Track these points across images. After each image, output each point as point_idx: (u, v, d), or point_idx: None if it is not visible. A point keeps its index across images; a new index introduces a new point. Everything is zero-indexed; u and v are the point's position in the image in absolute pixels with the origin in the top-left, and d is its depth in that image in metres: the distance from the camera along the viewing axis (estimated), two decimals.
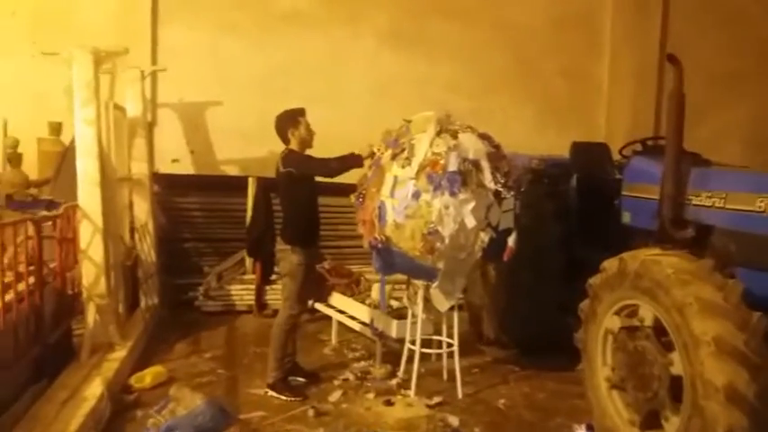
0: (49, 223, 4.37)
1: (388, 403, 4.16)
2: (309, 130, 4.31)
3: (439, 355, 4.62)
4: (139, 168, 5.96)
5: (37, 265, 4.02)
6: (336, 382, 4.50)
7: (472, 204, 3.79)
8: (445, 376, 4.53)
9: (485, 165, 3.91)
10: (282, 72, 6.87)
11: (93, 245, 4.50)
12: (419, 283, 4.33)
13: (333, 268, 5.96)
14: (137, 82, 5.99)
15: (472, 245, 3.88)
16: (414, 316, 4.46)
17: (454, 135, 3.95)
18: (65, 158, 5.57)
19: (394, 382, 4.50)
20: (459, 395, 4.29)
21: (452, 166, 3.79)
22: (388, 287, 5.03)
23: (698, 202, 3.49)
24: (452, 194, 3.75)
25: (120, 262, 5.20)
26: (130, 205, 5.88)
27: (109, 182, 4.83)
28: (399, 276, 4.67)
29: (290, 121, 4.29)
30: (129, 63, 5.72)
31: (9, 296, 3.63)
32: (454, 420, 3.92)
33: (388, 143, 4.06)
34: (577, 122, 7.56)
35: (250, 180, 6.57)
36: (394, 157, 3.97)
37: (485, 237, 3.88)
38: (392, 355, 4.80)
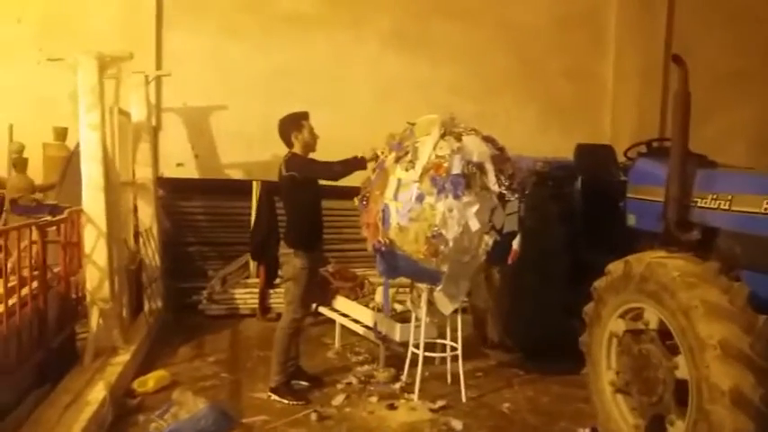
0: (54, 228, 4.38)
1: (392, 407, 4.15)
2: (313, 133, 4.30)
3: (443, 359, 4.60)
4: (144, 173, 5.98)
5: (41, 270, 4.03)
6: (339, 386, 4.48)
7: (476, 207, 3.77)
8: (449, 380, 4.51)
9: (489, 167, 3.89)
10: (286, 76, 6.86)
11: (97, 249, 4.51)
12: (423, 286, 4.32)
13: (337, 271, 5.96)
14: (141, 87, 6.02)
15: (476, 248, 3.87)
16: (417, 319, 4.45)
17: (458, 138, 3.94)
18: (70, 163, 5.59)
19: (397, 385, 4.48)
20: (463, 399, 4.27)
21: (456, 169, 3.78)
22: (391, 290, 4.99)
23: (703, 205, 3.47)
24: (456, 197, 3.74)
25: (125, 266, 5.21)
26: (135, 209, 5.89)
27: (113, 186, 4.84)
28: (403, 280, 4.65)
29: (293, 124, 4.29)
30: (134, 68, 5.74)
31: (12, 300, 3.64)
32: (458, 424, 3.90)
33: (392, 146, 4.05)
34: (582, 124, 7.53)
35: (254, 184, 6.57)
36: (398, 160, 3.97)
37: (489, 240, 3.86)
38: (396, 358, 4.79)
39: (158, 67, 6.66)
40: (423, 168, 3.82)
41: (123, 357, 4.43)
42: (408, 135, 4.04)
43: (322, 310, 5.60)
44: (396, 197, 3.88)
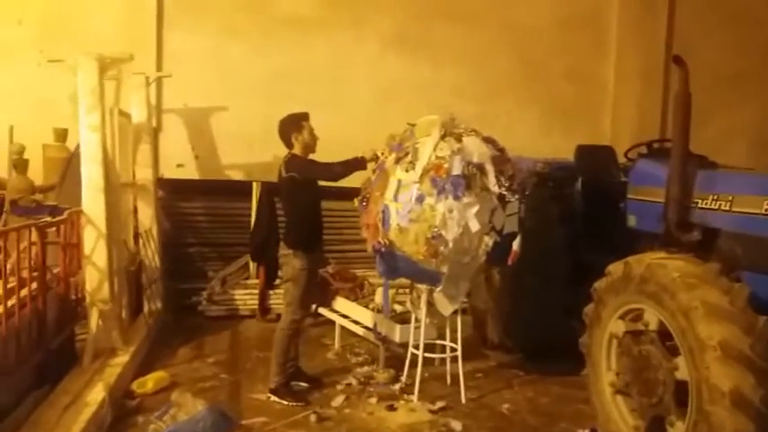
0: (54, 229, 4.38)
1: (391, 408, 4.14)
2: (313, 134, 4.30)
3: (442, 360, 4.59)
4: (144, 174, 5.97)
5: (40, 271, 4.03)
6: (339, 387, 4.47)
7: (476, 208, 3.77)
8: (449, 381, 4.50)
9: (489, 168, 3.89)
10: (286, 77, 6.86)
11: (96, 250, 4.51)
12: (423, 287, 4.31)
13: (337, 272, 5.95)
14: (142, 88, 6.01)
15: (476, 249, 3.86)
16: (417, 320, 4.44)
17: (458, 139, 3.94)
18: (70, 164, 5.59)
19: (397, 386, 4.47)
20: (463, 400, 4.26)
21: (456, 170, 3.77)
22: (391, 291, 4.98)
23: (704, 205, 3.46)
24: (456, 198, 3.74)
25: (124, 267, 5.20)
26: (135, 210, 5.89)
27: (113, 187, 4.84)
28: (403, 280, 4.64)
29: (293, 125, 4.28)
30: (135, 69, 5.74)
31: (12, 302, 3.63)
32: (457, 425, 3.90)
33: (392, 147, 4.05)
34: (583, 125, 7.53)
35: (254, 185, 6.57)
36: (398, 160, 3.96)
37: (489, 241, 3.86)
38: (395, 359, 4.78)
39: (159, 68, 6.66)
40: (423, 169, 3.81)
41: (122, 358, 4.42)
42: (408, 136, 4.04)
43: (322, 310, 5.59)
44: (396, 198, 3.87)
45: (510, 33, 7.52)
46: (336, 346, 5.39)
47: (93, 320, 4.45)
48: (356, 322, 5.18)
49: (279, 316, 4.93)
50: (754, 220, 3.15)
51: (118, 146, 5.25)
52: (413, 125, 4.09)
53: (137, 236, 5.84)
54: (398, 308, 5.11)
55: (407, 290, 4.83)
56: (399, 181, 3.89)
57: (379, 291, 5.17)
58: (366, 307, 5.23)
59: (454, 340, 4.41)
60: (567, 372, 4.37)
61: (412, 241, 3.82)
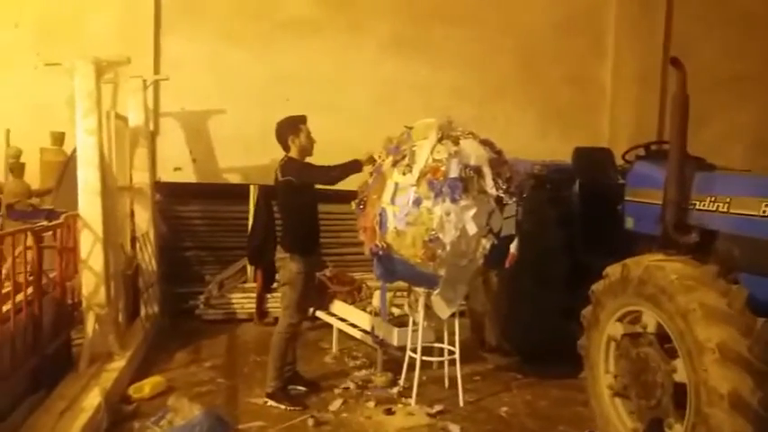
0: (50, 233, 4.36)
1: (389, 412, 4.13)
2: (310, 138, 4.29)
3: (440, 363, 4.59)
4: (141, 177, 5.95)
5: (36, 275, 4.01)
6: (337, 391, 4.46)
7: (473, 211, 3.76)
8: (447, 384, 4.49)
9: (486, 171, 3.88)
10: (284, 80, 6.87)
11: (93, 254, 4.49)
12: (420, 290, 4.29)
13: (334, 276, 5.93)
14: (139, 91, 6.00)
15: (474, 252, 3.85)
16: (415, 323, 4.42)
17: (455, 141, 3.92)
18: (67, 168, 5.58)
19: (395, 390, 4.46)
20: (461, 403, 4.25)
21: (453, 173, 3.76)
22: (389, 294, 4.99)
23: (701, 207, 3.46)
24: (453, 201, 3.72)
25: (121, 271, 5.19)
26: (131, 214, 5.87)
27: (110, 191, 4.83)
28: (401, 284, 4.61)
29: (290, 128, 4.27)
30: (132, 72, 5.73)
31: (7, 306, 3.61)
32: (455, 429, 3.89)
33: (390, 150, 4.04)
34: (580, 127, 7.53)
35: (252, 188, 6.56)
36: (395, 163, 3.95)
37: (486, 243, 3.85)
38: (393, 362, 4.77)
39: (156, 71, 6.65)
40: (420, 172, 3.80)
41: (119, 363, 4.40)
42: (406, 139, 4.03)
43: (319, 314, 5.58)
44: (393, 201, 3.86)
45: (507, 36, 7.53)
46: (334, 349, 5.37)
47: (90, 325, 4.43)
48: (354, 326, 5.16)
49: (276, 319, 4.92)
50: (751, 221, 3.14)
51: (115, 149, 5.24)
52: (410, 128, 4.08)
53: (134, 239, 5.83)
54: (396, 311, 5.10)
55: (405, 293, 4.80)
56: (396, 184, 3.87)
57: (377, 294, 5.16)
58: (364, 310, 5.22)
59: (452, 343, 4.39)
60: (565, 374, 4.38)
61: (409, 244, 3.80)
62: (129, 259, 5.64)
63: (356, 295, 5.72)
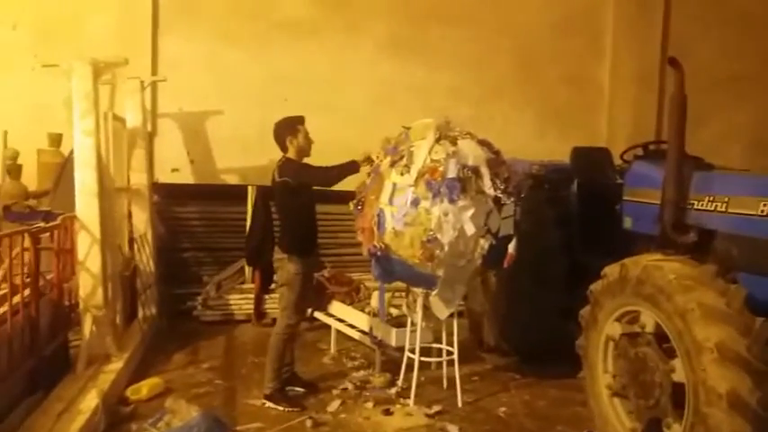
0: (47, 234, 4.35)
1: (387, 413, 4.12)
2: (308, 138, 4.28)
3: (439, 364, 4.58)
4: (139, 178, 5.94)
5: (33, 277, 4.00)
6: (335, 392, 4.45)
7: (471, 211, 3.75)
8: (445, 384, 4.49)
9: (484, 171, 3.87)
10: (281, 80, 6.86)
11: (90, 256, 4.47)
12: (418, 290, 4.28)
13: (332, 276, 5.93)
14: (137, 92, 5.99)
15: (472, 252, 3.84)
16: (413, 324, 4.42)
17: (453, 142, 3.92)
18: (64, 169, 5.57)
19: (393, 390, 4.46)
20: (459, 403, 4.24)
21: (451, 173, 3.76)
22: (387, 295, 4.99)
23: (700, 207, 3.46)
24: (451, 201, 3.72)
25: (119, 272, 5.18)
26: (129, 215, 5.86)
27: (107, 192, 4.82)
28: (399, 284, 4.62)
29: (288, 128, 4.27)
30: (129, 73, 5.72)
31: (4, 308, 3.60)
32: (454, 429, 3.89)
33: (387, 150, 4.04)
34: (578, 127, 7.53)
35: (249, 189, 6.55)
36: (393, 164, 3.94)
37: (484, 244, 3.84)
38: (391, 363, 4.76)
39: (154, 72, 6.63)
40: (418, 172, 3.80)
41: (116, 365, 4.39)
42: (403, 139, 4.02)
43: (317, 315, 5.57)
44: (391, 201, 3.85)
45: (505, 36, 7.52)
46: (332, 350, 5.37)
47: (87, 326, 4.42)
48: (352, 326, 5.15)
49: (274, 320, 4.91)
50: (750, 221, 3.14)
51: (112, 150, 5.23)
52: (408, 128, 4.08)
53: (131, 241, 5.82)
54: (394, 311, 5.09)
55: (403, 293, 4.80)
56: (394, 184, 3.86)
57: (375, 294, 5.15)
58: (362, 311, 5.21)
59: (450, 344, 4.39)
60: (563, 374, 4.37)
61: (407, 245, 3.80)
62: (127, 260, 5.63)
63: (354, 296, 5.72)
